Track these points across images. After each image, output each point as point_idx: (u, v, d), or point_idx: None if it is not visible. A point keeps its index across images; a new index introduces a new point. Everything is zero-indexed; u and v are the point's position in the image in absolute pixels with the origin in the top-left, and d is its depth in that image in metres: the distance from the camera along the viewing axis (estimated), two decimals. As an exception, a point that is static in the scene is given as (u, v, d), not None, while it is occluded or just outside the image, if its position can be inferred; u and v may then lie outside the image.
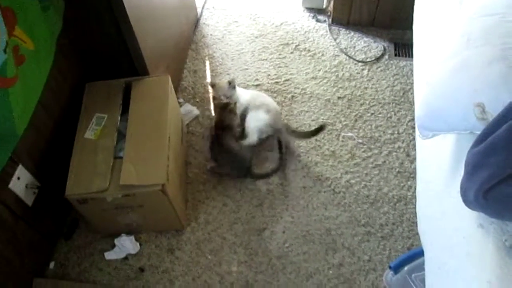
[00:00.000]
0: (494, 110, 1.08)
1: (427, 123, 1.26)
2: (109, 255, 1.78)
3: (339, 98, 2.26)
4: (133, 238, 1.80)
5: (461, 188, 1.06)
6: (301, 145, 2.09)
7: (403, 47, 2.45)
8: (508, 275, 0.95)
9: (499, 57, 1.13)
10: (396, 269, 1.62)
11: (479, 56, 1.17)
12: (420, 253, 1.48)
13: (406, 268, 1.60)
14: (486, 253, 0.99)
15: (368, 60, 2.41)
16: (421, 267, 1.44)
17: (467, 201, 1.06)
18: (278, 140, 2.03)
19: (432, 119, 1.24)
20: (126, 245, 1.77)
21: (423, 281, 1.41)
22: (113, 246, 1.81)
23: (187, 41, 2.49)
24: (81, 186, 1.56)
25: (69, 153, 1.64)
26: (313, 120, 2.18)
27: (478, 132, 1.10)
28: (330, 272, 1.75)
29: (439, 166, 1.29)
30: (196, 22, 2.63)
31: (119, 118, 1.74)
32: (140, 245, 1.83)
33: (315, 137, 2.08)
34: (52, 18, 1.62)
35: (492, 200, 1.00)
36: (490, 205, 1.00)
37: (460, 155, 1.17)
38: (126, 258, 1.80)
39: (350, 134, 2.12)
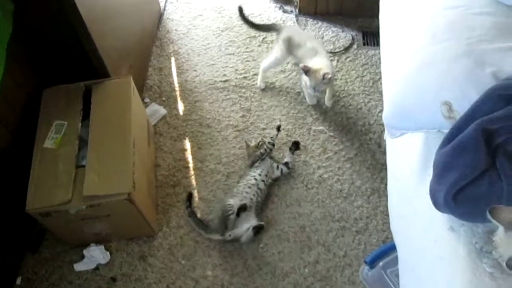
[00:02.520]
0: (461, 108, 1.06)
1: (394, 122, 1.24)
2: (79, 267, 1.72)
3: (309, 91, 2.22)
4: (103, 248, 1.75)
5: (430, 191, 1.05)
6: (272, 141, 2.05)
7: (371, 35, 2.43)
8: (479, 279, 0.94)
9: (464, 53, 1.11)
10: (372, 263, 1.62)
11: (444, 52, 1.14)
12: (394, 247, 1.47)
13: (381, 263, 1.60)
14: (457, 257, 0.98)
15: (337, 50, 2.37)
16: (396, 262, 1.44)
17: (436, 204, 1.04)
18: None
19: (399, 118, 1.22)
20: (96, 255, 1.71)
21: (398, 275, 1.40)
22: (83, 256, 1.75)
23: (151, 38, 2.41)
24: (42, 199, 1.49)
25: (28, 164, 1.56)
26: (283, 115, 2.14)
27: (446, 131, 1.08)
28: (306, 270, 1.73)
29: (408, 164, 1.27)
30: (159, 17, 2.54)
31: (80, 124, 1.66)
32: (111, 254, 1.77)
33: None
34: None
35: (461, 203, 0.98)
36: (460, 207, 0.99)
37: (429, 154, 1.15)
38: (97, 268, 1.75)
39: (321, 127, 2.09)
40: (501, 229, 0.87)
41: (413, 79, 1.19)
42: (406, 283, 1.19)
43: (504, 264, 0.85)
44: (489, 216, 0.86)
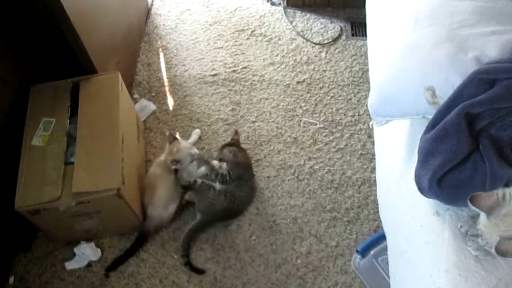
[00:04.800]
0: (445, 94, 1.06)
1: (379, 110, 1.24)
2: (70, 265, 1.72)
3: (298, 82, 2.22)
4: (93, 245, 1.74)
5: (415, 176, 1.05)
6: (262, 134, 2.05)
7: (359, 26, 2.43)
8: (465, 262, 0.95)
9: (447, 38, 1.11)
10: (363, 252, 1.63)
11: (427, 37, 1.14)
12: (385, 236, 1.48)
13: (372, 252, 1.61)
14: (443, 241, 0.98)
15: (325, 42, 2.37)
16: (387, 250, 1.44)
17: (421, 189, 1.05)
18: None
19: (384, 105, 1.22)
20: (87, 252, 1.71)
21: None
22: (75, 254, 1.74)
23: (139, 33, 2.39)
24: (31, 197, 1.49)
25: (17, 162, 1.55)
26: (273, 107, 2.14)
27: (431, 117, 1.09)
28: (299, 261, 1.73)
29: (395, 152, 1.27)
30: (147, 13, 2.52)
31: (68, 121, 1.65)
32: (103, 250, 1.77)
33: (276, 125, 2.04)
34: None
35: (446, 187, 0.99)
36: (444, 192, 1.00)
37: (414, 140, 1.16)
38: (89, 265, 1.74)
39: (311, 119, 2.09)
40: (483, 216, 0.87)
41: (397, 65, 1.19)
42: (395, 269, 1.20)
43: (493, 251, 0.85)
44: (469, 205, 0.87)
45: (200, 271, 1.71)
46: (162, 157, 1.83)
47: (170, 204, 1.78)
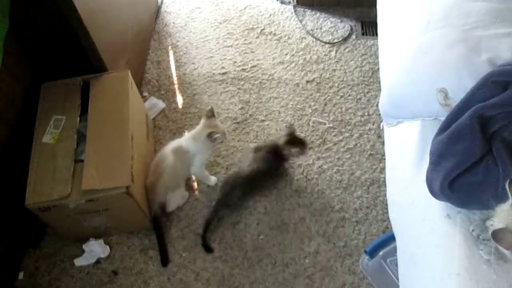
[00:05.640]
0: (457, 95, 1.05)
1: (390, 111, 1.23)
2: (79, 262, 1.73)
3: (307, 82, 2.21)
4: (102, 242, 1.75)
5: (427, 179, 1.04)
6: (271, 133, 2.05)
7: (370, 25, 2.41)
8: (476, 266, 0.94)
9: (460, 39, 1.10)
10: (372, 253, 1.62)
11: (440, 39, 1.13)
12: (394, 237, 1.47)
13: (381, 253, 1.60)
14: (454, 245, 0.97)
15: (335, 41, 2.36)
16: (395, 251, 1.44)
17: (433, 192, 1.04)
18: None
19: (395, 106, 1.21)
20: (95, 249, 1.72)
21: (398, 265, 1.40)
22: (83, 251, 1.75)
23: (148, 32, 2.40)
24: (41, 194, 1.49)
25: (27, 159, 1.56)
26: (282, 107, 2.14)
27: (443, 118, 1.08)
28: (307, 261, 1.73)
29: (406, 153, 1.27)
30: (157, 11, 2.53)
31: (79, 119, 1.66)
32: (111, 247, 1.78)
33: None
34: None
35: (457, 190, 0.98)
36: (456, 195, 0.99)
37: (425, 142, 1.15)
38: (98, 262, 1.75)
39: (320, 119, 2.08)
40: (509, 202, 0.86)
41: (409, 67, 1.18)
42: (404, 271, 1.19)
43: (489, 232, 0.85)
44: (507, 187, 0.85)
45: (209, 249, 1.75)
46: (183, 141, 1.78)
47: (175, 189, 1.79)
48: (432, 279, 1.01)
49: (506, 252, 0.85)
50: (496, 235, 0.83)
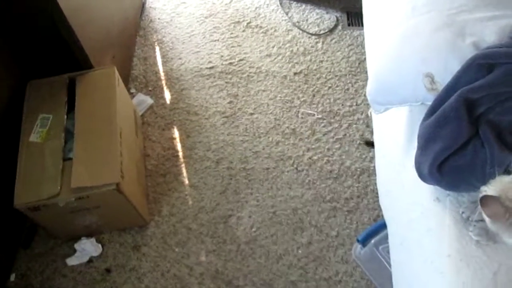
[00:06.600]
0: (443, 80, 1.06)
1: (378, 98, 1.23)
2: (71, 261, 1.72)
3: (295, 74, 2.21)
4: (94, 240, 1.74)
5: (415, 163, 1.05)
6: (260, 126, 2.05)
7: (355, 16, 2.42)
8: (466, 247, 0.95)
9: (445, 24, 1.11)
10: (364, 241, 1.63)
11: (425, 24, 1.14)
12: (385, 225, 1.49)
13: (373, 241, 1.62)
14: (444, 227, 0.98)
15: (321, 32, 2.36)
16: (387, 239, 1.45)
17: (422, 176, 1.04)
18: None
19: (382, 92, 1.21)
20: (87, 248, 1.71)
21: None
22: (75, 250, 1.74)
23: (134, 28, 2.38)
24: (30, 193, 1.48)
25: (15, 159, 1.54)
26: (271, 99, 2.14)
27: (429, 103, 1.08)
28: (300, 251, 1.74)
29: (394, 139, 1.27)
30: (141, 6, 2.51)
31: (66, 117, 1.64)
32: (104, 245, 1.77)
33: (274, 116, 2.03)
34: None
35: (446, 173, 0.98)
36: (445, 178, 0.99)
37: (413, 127, 1.15)
38: (90, 261, 1.74)
39: (309, 110, 2.09)
40: None
41: (394, 53, 1.18)
42: (396, 257, 1.20)
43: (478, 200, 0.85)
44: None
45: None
46: None
47: None
48: (424, 263, 1.02)
49: (486, 219, 0.85)
50: (485, 201, 0.84)
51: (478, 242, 0.96)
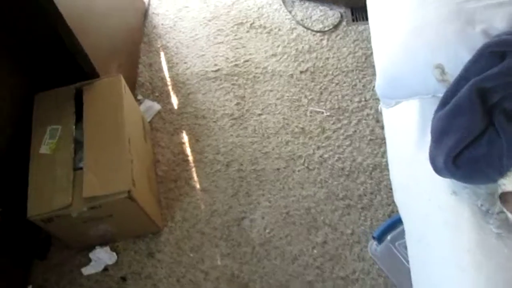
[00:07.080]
0: (454, 70, 1.04)
1: (387, 92, 1.21)
2: (87, 270, 1.72)
3: (301, 72, 2.20)
4: (108, 249, 1.74)
5: (430, 156, 1.03)
6: (269, 126, 2.04)
7: (360, 11, 2.39)
8: (486, 241, 0.92)
9: (453, 13, 1.09)
10: (380, 238, 1.61)
11: (434, 14, 1.12)
12: (401, 220, 1.46)
13: (389, 237, 1.60)
14: (462, 221, 0.96)
15: (326, 29, 2.34)
16: (403, 234, 1.43)
17: (437, 169, 1.02)
18: None
19: (392, 86, 1.19)
20: (102, 257, 1.71)
21: (406, 247, 1.39)
22: (90, 260, 1.74)
23: (138, 35, 2.38)
24: (43, 205, 1.48)
25: (26, 171, 1.55)
26: (278, 99, 2.12)
27: (441, 95, 1.06)
28: (315, 251, 1.72)
29: (406, 133, 1.25)
30: (145, 13, 2.51)
31: (74, 127, 1.64)
32: (118, 253, 1.77)
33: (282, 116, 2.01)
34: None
35: (462, 166, 0.96)
36: (461, 171, 0.97)
37: (425, 120, 1.13)
38: (106, 269, 1.74)
39: (317, 108, 2.07)
40: None
41: (403, 45, 1.16)
42: (414, 253, 1.18)
43: (499, 191, 0.83)
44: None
45: None
46: None
47: None
48: (443, 258, 1.00)
49: (509, 215, 0.83)
50: (505, 197, 0.82)
51: (499, 235, 0.94)
